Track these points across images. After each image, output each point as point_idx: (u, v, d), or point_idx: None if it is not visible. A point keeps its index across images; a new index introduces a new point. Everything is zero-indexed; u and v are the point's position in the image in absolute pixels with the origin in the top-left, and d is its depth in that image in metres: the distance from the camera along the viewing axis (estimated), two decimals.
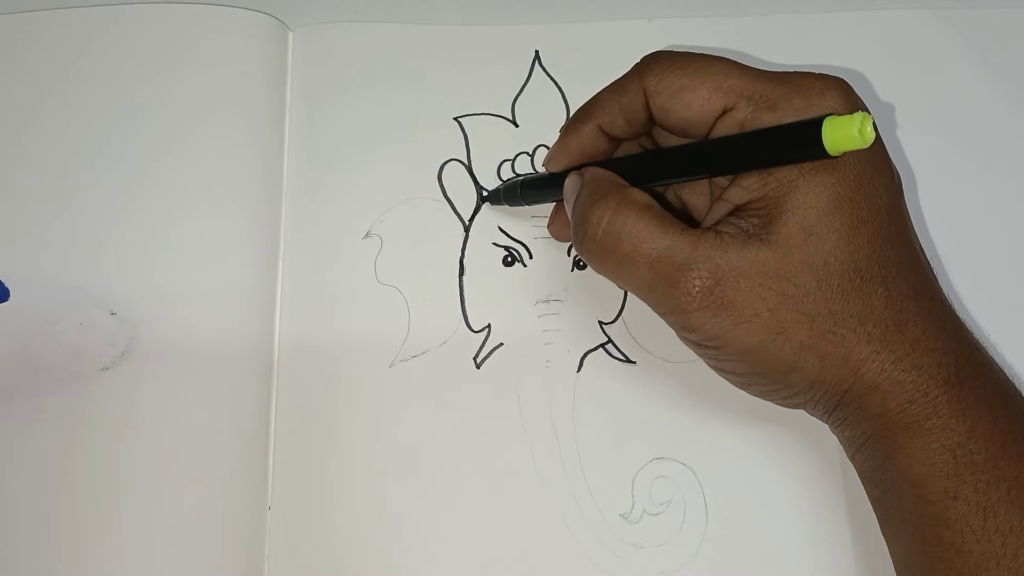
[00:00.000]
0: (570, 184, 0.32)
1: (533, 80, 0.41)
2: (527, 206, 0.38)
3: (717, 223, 0.29)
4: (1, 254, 0.38)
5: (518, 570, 0.35)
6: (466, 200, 0.39)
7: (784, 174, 0.27)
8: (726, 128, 0.29)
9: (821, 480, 0.36)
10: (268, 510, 0.36)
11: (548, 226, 0.37)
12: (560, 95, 0.41)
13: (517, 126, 0.40)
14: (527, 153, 0.40)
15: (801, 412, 0.36)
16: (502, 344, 0.38)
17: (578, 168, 0.33)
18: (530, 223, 0.39)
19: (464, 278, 0.38)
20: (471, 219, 0.39)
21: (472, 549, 0.35)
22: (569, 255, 0.39)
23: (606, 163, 0.32)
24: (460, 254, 0.39)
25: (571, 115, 0.33)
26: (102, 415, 0.36)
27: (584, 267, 0.39)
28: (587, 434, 0.37)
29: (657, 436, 0.37)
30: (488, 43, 0.41)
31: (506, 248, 0.39)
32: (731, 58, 0.30)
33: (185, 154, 0.39)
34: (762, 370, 0.29)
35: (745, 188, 0.28)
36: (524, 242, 0.39)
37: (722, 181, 0.30)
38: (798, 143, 0.26)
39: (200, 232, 0.38)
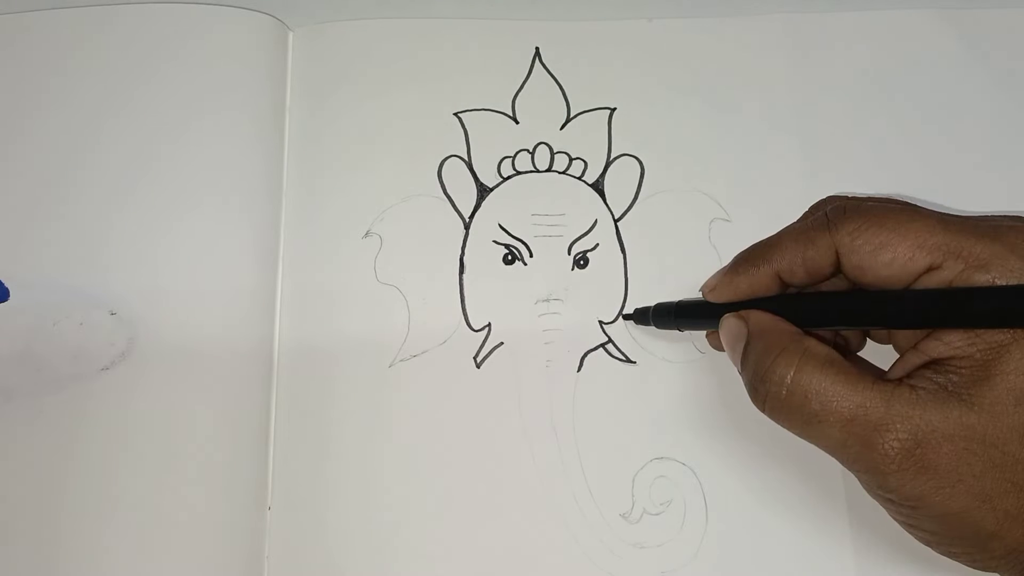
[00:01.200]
0: (732, 327, 0.31)
1: (533, 77, 0.41)
2: (679, 331, 0.36)
3: (909, 375, 0.28)
4: (1, 254, 0.38)
5: (518, 570, 0.35)
6: (466, 197, 0.39)
7: (994, 336, 0.26)
8: (930, 285, 0.27)
9: (821, 480, 0.36)
10: (268, 510, 0.36)
11: (708, 336, 0.36)
12: (560, 92, 0.41)
13: (517, 123, 0.40)
14: (527, 150, 0.40)
15: None
16: (502, 343, 0.38)
17: (737, 306, 0.31)
18: (531, 221, 0.39)
19: (464, 276, 0.38)
20: (471, 216, 0.39)
21: (472, 549, 0.35)
22: (570, 254, 0.39)
23: (776, 301, 0.30)
24: (460, 252, 0.39)
25: (744, 253, 0.31)
26: (102, 415, 0.36)
27: (584, 266, 0.39)
28: (587, 434, 0.36)
29: (657, 436, 0.36)
30: (488, 39, 0.41)
31: (507, 246, 0.39)
32: (909, 206, 0.28)
33: (185, 154, 0.39)
34: (960, 535, 0.27)
35: (947, 344, 0.27)
36: (525, 240, 0.39)
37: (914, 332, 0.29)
38: (1020, 308, 0.25)
39: (200, 232, 0.38)
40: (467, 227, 0.39)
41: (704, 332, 0.36)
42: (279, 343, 0.38)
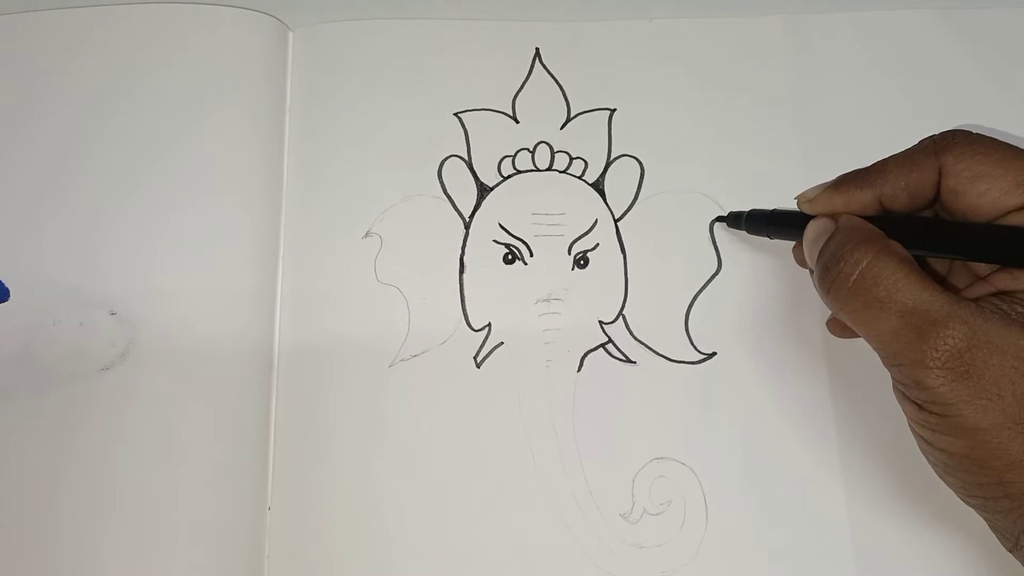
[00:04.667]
0: (821, 225, 0.31)
1: (533, 77, 0.41)
2: (768, 238, 0.37)
3: (977, 299, 0.28)
4: (1, 254, 0.38)
5: (518, 570, 0.35)
6: (466, 197, 0.39)
7: None
8: (1016, 222, 0.28)
9: (821, 480, 0.36)
10: (268, 510, 0.36)
11: (794, 250, 0.36)
12: (560, 92, 0.41)
13: (517, 122, 0.40)
14: (528, 149, 0.40)
15: (799, 413, 0.37)
16: (502, 343, 0.38)
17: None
18: (531, 220, 0.39)
19: (464, 276, 0.38)
20: (471, 216, 0.39)
21: (472, 549, 0.35)
22: (570, 254, 0.39)
23: (877, 219, 0.31)
24: (460, 252, 0.39)
25: (848, 174, 0.32)
26: (102, 415, 0.36)
27: (584, 266, 0.39)
28: (587, 434, 0.36)
29: (657, 436, 0.36)
30: (488, 39, 0.41)
31: (507, 246, 0.39)
32: (1017, 147, 0.29)
33: (185, 154, 0.39)
34: (980, 456, 0.27)
35: (1017, 279, 0.28)
36: (525, 240, 0.39)
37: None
38: None
39: (200, 232, 0.38)
40: (467, 227, 0.39)
41: (791, 245, 0.36)
42: (279, 343, 0.38)
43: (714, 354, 0.37)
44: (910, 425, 0.29)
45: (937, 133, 0.31)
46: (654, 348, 0.38)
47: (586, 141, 0.40)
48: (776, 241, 0.36)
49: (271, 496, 0.36)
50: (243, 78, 0.40)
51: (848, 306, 0.29)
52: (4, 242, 0.38)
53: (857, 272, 0.28)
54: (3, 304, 0.33)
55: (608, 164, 0.40)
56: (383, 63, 0.41)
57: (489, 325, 0.38)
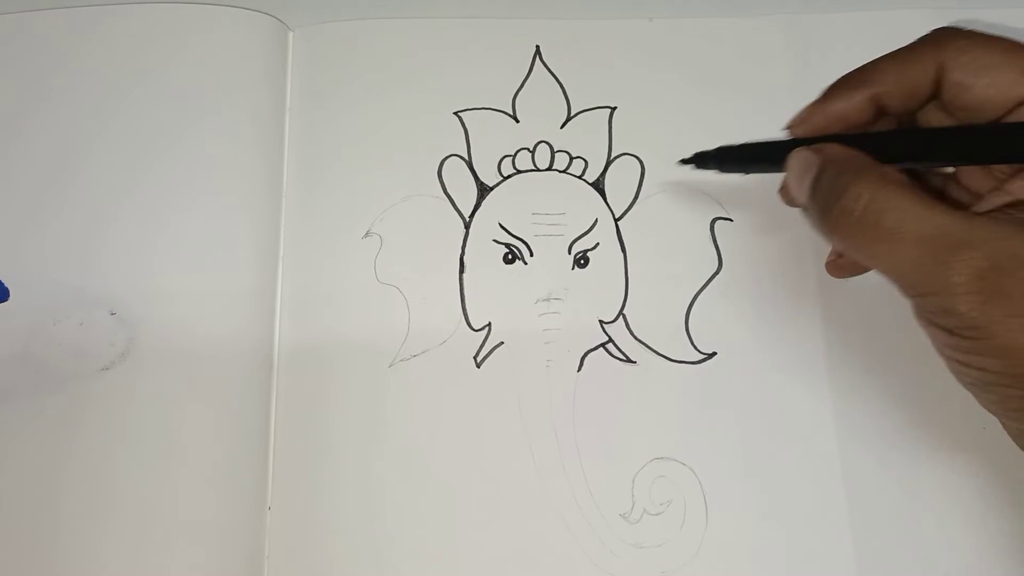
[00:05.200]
0: (804, 159, 0.29)
1: (534, 76, 0.41)
2: (742, 174, 0.34)
3: (992, 211, 0.27)
4: (1, 254, 0.38)
5: (518, 570, 0.35)
6: (466, 196, 0.39)
7: None
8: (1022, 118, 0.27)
9: (821, 480, 0.36)
10: (268, 510, 0.36)
11: (780, 191, 0.34)
12: (561, 91, 0.41)
13: (518, 121, 0.40)
14: (528, 149, 0.40)
15: (799, 413, 0.37)
16: (502, 343, 0.38)
17: (809, 142, 0.30)
18: (531, 220, 0.39)
19: (464, 276, 0.38)
20: (471, 215, 0.39)
21: (472, 549, 0.35)
22: (570, 254, 0.39)
23: (852, 139, 0.29)
24: (460, 252, 0.39)
25: (840, 79, 0.30)
26: (102, 415, 0.36)
27: (585, 266, 0.39)
28: (587, 434, 0.36)
29: (657, 436, 0.36)
30: (488, 38, 0.41)
31: (507, 245, 0.39)
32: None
33: (185, 154, 0.39)
34: (1019, 372, 0.26)
35: None
36: (525, 239, 0.39)
37: (1000, 170, 0.28)
38: None
39: (200, 232, 0.38)
40: (467, 226, 0.39)
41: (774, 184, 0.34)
42: (279, 343, 0.38)
43: (714, 354, 0.37)
44: (940, 350, 0.28)
45: (937, 29, 0.29)
46: (654, 348, 0.38)
47: (586, 140, 0.40)
48: (777, 236, 0.36)
49: (271, 496, 0.36)
50: (243, 78, 0.40)
51: (859, 242, 0.27)
52: (4, 242, 0.38)
53: (861, 206, 0.27)
54: (3, 304, 0.33)
55: (608, 163, 0.40)
56: (383, 63, 0.41)
57: (489, 325, 0.38)
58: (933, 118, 0.30)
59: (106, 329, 0.37)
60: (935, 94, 0.29)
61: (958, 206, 0.28)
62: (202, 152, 0.39)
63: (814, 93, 0.40)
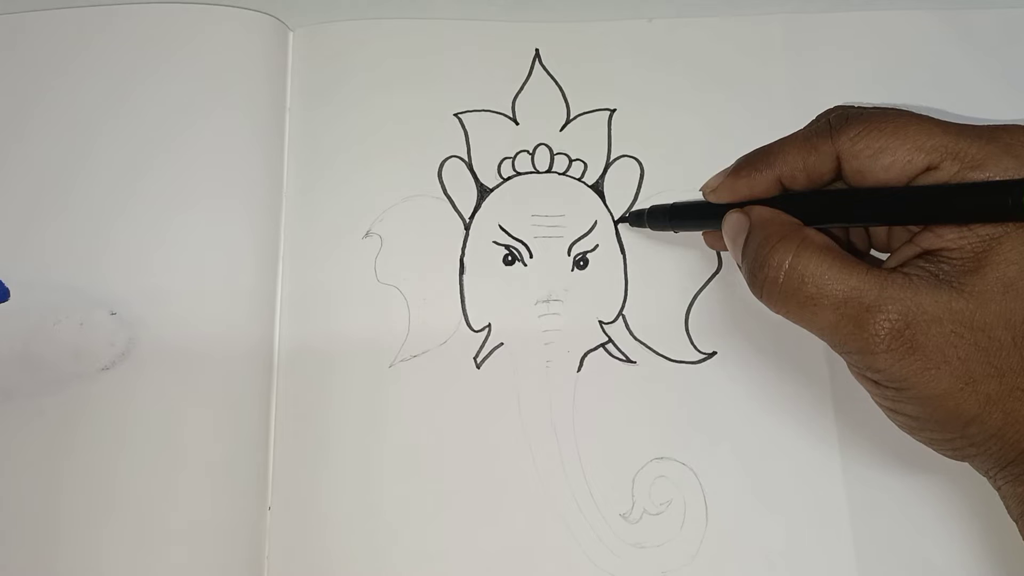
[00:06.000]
0: (735, 222, 0.31)
1: (533, 78, 0.41)
2: (673, 232, 0.37)
3: (903, 264, 0.29)
4: (1, 254, 0.38)
5: (518, 570, 0.35)
6: (467, 197, 0.39)
7: (986, 229, 0.27)
8: (927, 183, 0.28)
9: (821, 480, 0.36)
10: (268, 510, 0.36)
11: (704, 235, 0.37)
12: (560, 94, 0.41)
13: (517, 124, 0.40)
14: (527, 151, 0.40)
15: (799, 413, 0.37)
16: (502, 344, 0.38)
17: (740, 205, 0.32)
18: (531, 222, 0.39)
19: (464, 277, 0.38)
20: (471, 217, 0.39)
21: (472, 550, 0.35)
22: (570, 255, 0.39)
23: (777, 200, 0.31)
24: (460, 253, 0.39)
25: (746, 157, 0.32)
26: (102, 415, 0.36)
27: (584, 267, 0.39)
28: (587, 434, 0.37)
29: (657, 436, 0.37)
30: (488, 40, 0.41)
31: (507, 247, 0.39)
32: (908, 112, 0.29)
33: (185, 154, 0.39)
34: (940, 418, 0.28)
35: (940, 236, 0.28)
36: (524, 241, 0.39)
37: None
38: (1010, 204, 0.26)
39: (200, 232, 0.38)
40: (467, 227, 0.39)
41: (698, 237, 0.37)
42: (279, 343, 0.38)
43: (714, 354, 0.37)
44: (873, 399, 0.30)
45: (830, 113, 0.30)
46: (654, 348, 0.38)
47: (586, 142, 0.40)
48: None
49: (271, 496, 0.36)
50: (243, 78, 0.40)
51: (784, 308, 0.29)
52: (4, 242, 0.38)
53: (783, 275, 0.28)
54: (3, 304, 0.33)
55: (608, 165, 0.40)
56: (383, 64, 0.41)
57: (489, 326, 0.38)
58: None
59: (106, 329, 0.37)
60: (836, 178, 0.30)
61: (875, 261, 0.30)
62: (202, 152, 0.39)
63: (813, 93, 0.40)
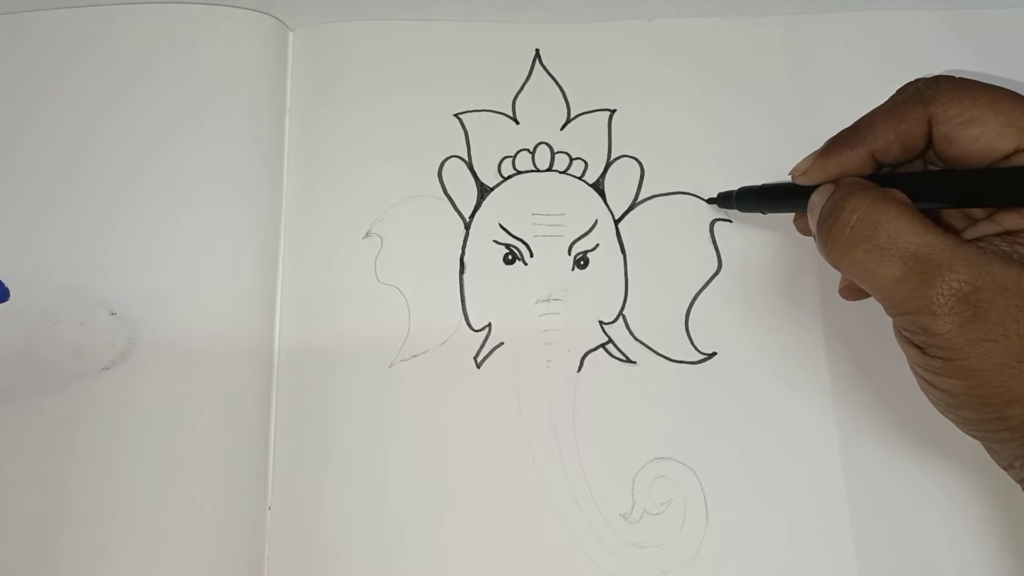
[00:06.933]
0: (824, 190, 0.31)
1: (533, 78, 0.41)
2: (762, 214, 0.37)
3: (979, 239, 0.28)
4: (1, 254, 0.38)
5: (518, 570, 0.35)
6: (467, 197, 0.39)
7: None
8: (1012, 163, 0.28)
9: (822, 480, 0.36)
10: (268, 510, 0.36)
11: (795, 220, 0.36)
12: (560, 93, 0.41)
13: (518, 123, 0.40)
14: (528, 150, 0.40)
15: (799, 413, 0.37)
16: (502, 343, 0.38)
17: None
18: (531, 220, 0.39)
19: (465, 276, 0.38)
20: (472, 216, 0.39)
21: (472, 549, 0.35)
22: (570, 255, 0.39)
23: (875, 179, 0.30)
24: (460, 252, 0.39)
25: (836, 137, 0.31)
26: (102, 415, 0.36)
27: (584, 267, 0.39)
28: (587, 434, 0.37)
29: (657, 436, 0.37)
30: (488, 40, 0.41)
31: (507, 246, 0.39)
32: (1004, 88, 0.29)
33: (185, 154, 0.39)
34: (984, 394, 0.27)
35: (1022, 216, 0.28)
36: (525, 240, 0.39)
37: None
38: None
39: (200, 232, 0.38)
40: (467, 227, 0.39)
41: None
42: (279, 343, 0.38)
43: (714, 354, 0.37)
44: (911, 367, 0.29)
45: (917, 82, 0.30)
46: (654, 348, 0.38)
47: (586, 142, 0.40)
48: (777, 237, 0.36)
49: (271, 496, 0.36)
50: (243, 78, 0.40)
51: (848, 256, 0.28)
52: (5, 242, 0.38)
53: (855, 218, 0.28)
54: (3, 304, 0.33)
55: (608, 165, 0.40)
56: (383, 63, 0.41)
57: (489, 325, 0.38)
58: (937, 164, 0.31)
59: (106, 329, 0.37)
60: (928, 146, 0.30)
61: (950, 230, 0.29)
62: (202, 152, 0.39)
63: (813, 93, 0.40)
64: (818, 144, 0.41)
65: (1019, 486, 0.29)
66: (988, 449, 0.29)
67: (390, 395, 0.37)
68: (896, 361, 0.37)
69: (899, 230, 0.27)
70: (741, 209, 0.37)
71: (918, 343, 0.28)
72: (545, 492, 0.36)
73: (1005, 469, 0.29)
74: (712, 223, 0.39)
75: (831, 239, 0.29)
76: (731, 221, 0.39)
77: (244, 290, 0.38)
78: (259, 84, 0.40)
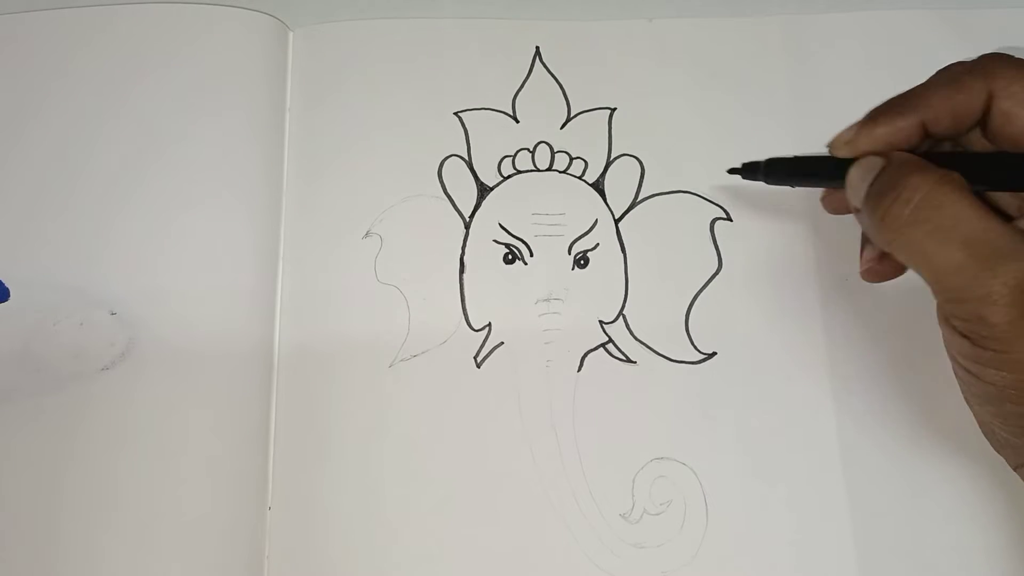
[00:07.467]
0: (869, 162, 0.29)
1: (534, 76, 0.41)
2: (791, 188, 0.35)
3: None
4: (1, 254, 0.38)
5: (518, 570, 0.35)
6: (467, 196, 0.39)
7: None
8: None
9: (822, 480, 0.36)
10: (268, 510, 0.36)
11: (823, 198, 0.35)
12: (561, 92, 0.41)
13: (518, 122, 0.40)
14: (528, 149, 0.40)
15: (799, 413, 0.37)
16: (502, 343, 0.38)
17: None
18: (531, 220, 0.39)
19: (464, 276, 0.38)
20: (472, 216, 0.39)
21: (472, 549, 0.35)
22: (570, 254, 0.39)
23: (928, 156, 0.29)
24: (460, 252, 0.39)
25: (885, 103, 0.30)
26: (102, 415, 0.36)
27: (585, 266, 0.39)
28: (587, 434, 0.36)
29: (657, 436, 0.36)
30: (488, 39, 0.41)
31: (507, 245, 0.39)
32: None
33: (185, 154, 0.39)
34: None
35: None
36: (525, 239, 0.39)
37: None
38: None
39: (200, 232, 0.38)
40: (467, 226, 0.39)
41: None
42: (279, 343, 0.38)
43: (714, 354, 0.37)
44: (954, 357, 0.28)
45: (975, 58, 0.29)
46: (654, 348, 0.38)
47: (586, 140, 0.40)
48: (777, 236, 0.36)
49: (271, 496, 0.36)
50: (243, 78, 0.40)
51: (906, 236, 0.27)
52: (4, 242, 0.38)
53: (919, 197, 0.27)
54: (3, 304, 0.33)
55: (608, 163, 0.40)
56: (383, 63, 0.41)
57: (489, 325, 0.38)
58: (976, 144, 0.30)
59: (106, 329, 0.37)
60: (981, 122, 0.29)
61: (1006, 218, 0.28)
62: (202, 152, 0.39)
63: (813, 93, 0.40)
64: (818, 143, 0.41)
65: None
66: (1002, 447, 0.29)
67: (390, 395, 0.37)
68: (896, 360, 0.37)
69: (963, 213, 0.26)
70: (768, 182, 0.34)
71: (967, 332, 0.27)
72: (545, 492, 0.36)
73: (1015, 469, 0.29)
74: (712, 222, 0.39)
75: (890, 215, 0.27)
76: (731, 220, 0.39)
77: (244, 290, 0.38)
78: (259, 84, 0.40)
